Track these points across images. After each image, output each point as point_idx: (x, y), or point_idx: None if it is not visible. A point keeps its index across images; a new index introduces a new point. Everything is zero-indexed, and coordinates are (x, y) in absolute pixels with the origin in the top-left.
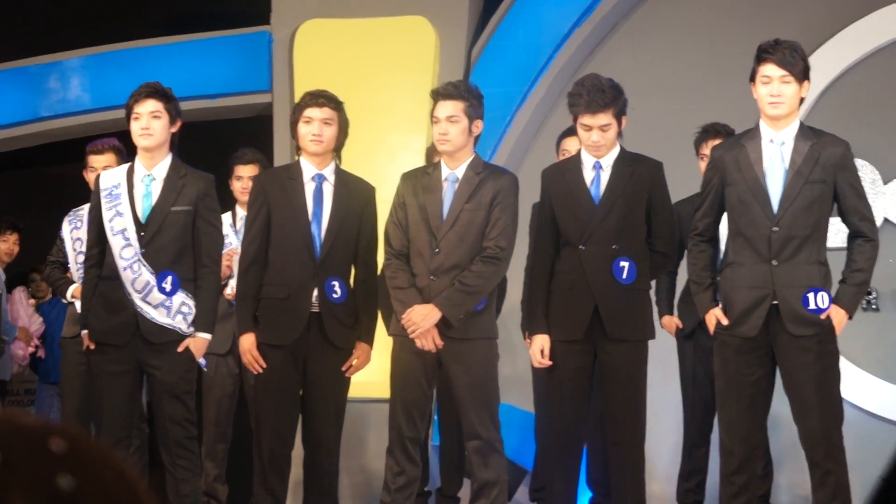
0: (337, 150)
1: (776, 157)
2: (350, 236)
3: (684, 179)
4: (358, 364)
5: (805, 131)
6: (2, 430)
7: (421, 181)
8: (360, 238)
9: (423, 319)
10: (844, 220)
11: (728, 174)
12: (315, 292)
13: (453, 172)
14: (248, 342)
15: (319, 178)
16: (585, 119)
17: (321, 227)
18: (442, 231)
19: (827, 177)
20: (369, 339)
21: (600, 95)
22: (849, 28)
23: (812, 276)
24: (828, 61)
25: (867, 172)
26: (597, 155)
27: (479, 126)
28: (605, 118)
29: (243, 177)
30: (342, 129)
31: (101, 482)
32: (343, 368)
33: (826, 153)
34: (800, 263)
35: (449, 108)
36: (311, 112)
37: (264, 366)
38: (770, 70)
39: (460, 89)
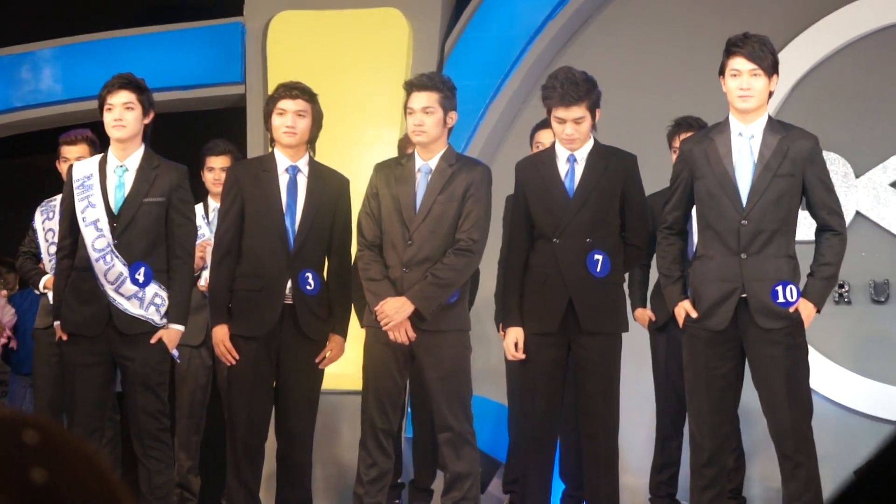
0: (311, 141)
1: (745, 150)
2: (324, 228)
3: (658, 172)
4: (331, 356)
5: (774, 125)
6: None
7: (394, 172)
8: (333, 230)
9: (395, 312)
10: (813, 214)
11: (697, 168)
12: (289, 284)
13: (426, 164)
14: (220, 334)
15: (293, 170)
16: (559, 112)
17: (295, 219)
18: (415, 223)
19: (795, 170)
20: (343, 331)
21: (574, 88)
22: (821, 21)
23: (781, 270)
24: (800, 54)
25: (839, 166)
26: (571, 148)
27: (453, 117)
28: (579, 111)
29: (215, 168)
30: (316, 121)
31: (74, 474)
32: (316, 360)
33: (795, 147)
34: (769, 257)
35: (424, 99)
36: (285, 104)
37: (237, 357)
38: (739, 63)
39: (435, 80)
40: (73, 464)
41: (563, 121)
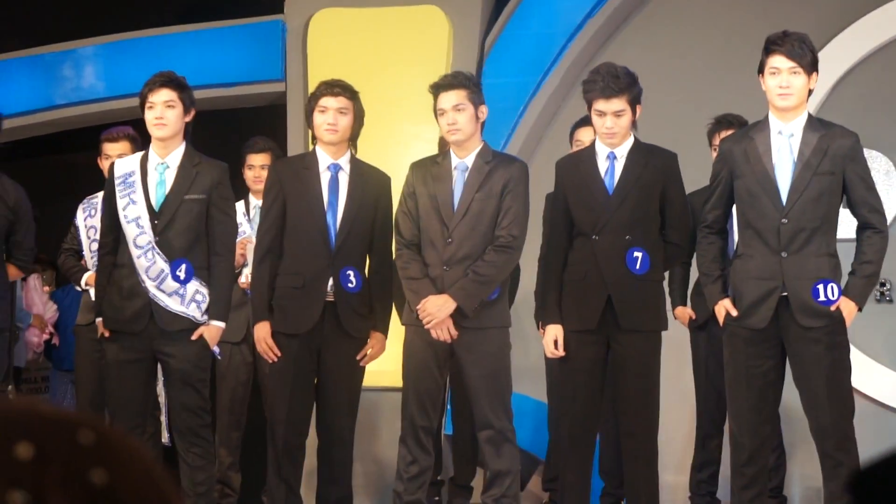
0: (352, 139)
1: (785, 148)
2: (365, 226)
3: (697, 170)
4: (372, 353)
5: (814, 123)
6: (31, 421)
7: (430, 171)
8: (374, 227)
9: (438, 310)
10: (853, 212)
11: (737, 166)
12: (330, 282)
13: (463, 161)
14: (262, 331)
15: (335, 168)
16: (600, 104)
17: (336, 217)
18: (454, 221)
19: (836, 168)
20: (384, 329)
21: (615, 81)
22: (861, 20)
23: (822, 268)
24: (841, 53)
25: (881, 164)
26: (610, 143)
27: (484, 111)
28: (620, 104)
29: (255, 165)
30: (357, 118)
31: (131, 475)
32: (357, 358)
33: (835, 145)
34: (809, 255)
35: (453, 97)
36: (327, 101)
37: (279, 354)
38: (778, 61)
39: (459, 78)
40: (129, 464)
41: (603, 113)
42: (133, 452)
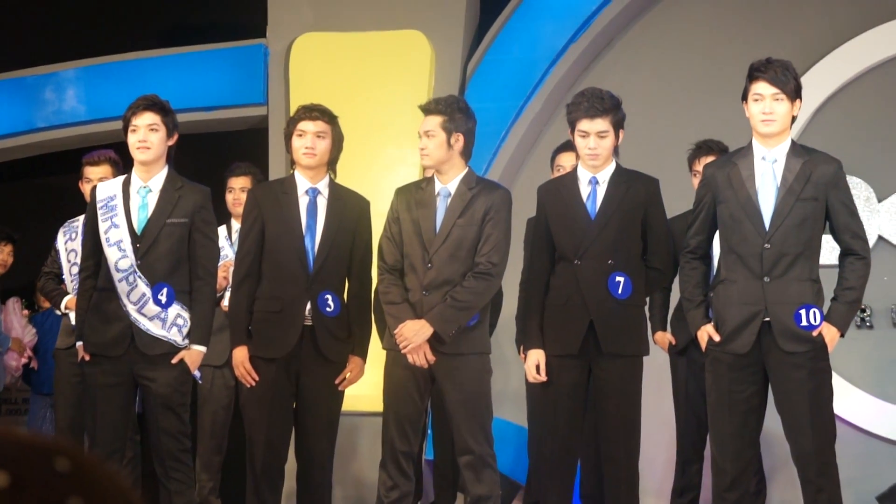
0: (331, 163)
1: (768, 174)
2: (344, 250)
3: (679, 196)
4: (351, 377)
5: (797, 149)
6: (7, 448)
7: (415, 196)
8: (354, 252)
9: (414, 335)
10: (836, 238)
11: (720, 192)
12: (308, 306)
13: (445, 187)
14: (241, 355)
15: (313, 192)
16: (583, 124)
17: (315, 241)
18: (434, 246)
19: (819, 194)
20: (363, 353)
21: (599, 102)
22: (843, 46)
23: (804, 293)
24: (823, 79)
25: (861, 190)
26: (593, 164)
27: (458, 139)
28: (603, 124)
29: (235, 188)
30: (336, 142)
31: (106, 502)
32: (336, 382)
33: (818, 171)
34: (792, 280)
35: (427, 122)
36: (305, 125)
37: (257, 379)
38: (762, 88)
39: (439, 104)
40: (106, 492)
41: (586, 134)
42: (109, 480)
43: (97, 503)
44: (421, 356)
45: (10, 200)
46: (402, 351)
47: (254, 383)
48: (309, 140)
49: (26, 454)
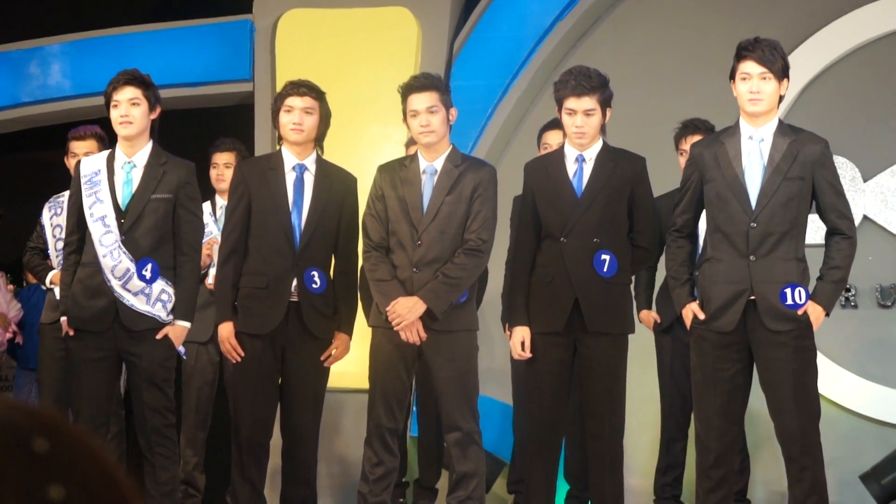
0: (318, 139)
1: (755, 153)
2: (330, 226)
3: (666, 174)
4: (337, 354)
5: (784, 129)
6: None
7: (399, 174)
8: (340, 228)
9: (408, 312)
10: (822, 218)
11: (707, 171)
12: (294, 282)
13: (431, 164)
14: (226, 331)
15: (300, 168)
16: (570, 102)
17: (301, 217)
18: (423, 224)
19: (805, 174)
20: (348, 330)
21: (587, 80)
22: (830, 25)
23: (790, 272)
24: (809, 58)
25: (847, 170)
26: (580, 143)
27: (454, 114)
28: (590, 102)
29: (219, 164)
30: (324, 118)
31: (89, 487)
32: (322, 358)
33: (805, 150)
34: (777, 259)
35: (426, 99)
36: (292, 101)
37: (242, 354)
38: (749, 67)
39: (433, 80)
40: (88, 475)
41: (573, 112)
42: (91, 459)
43: (78, 488)
44: (414, 333)
45: None
46: (395, 328)
47: (239, 359)
48: (296, 116)
49: (4, 437)
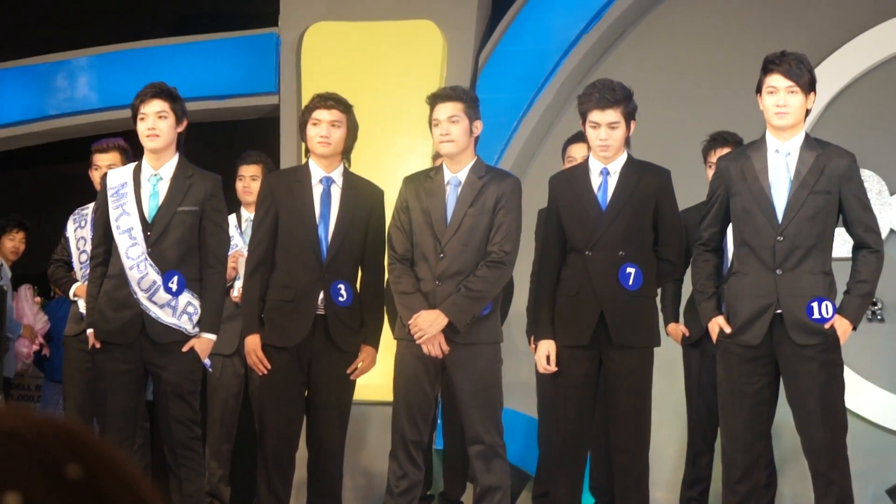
0: (346, 152)
1: (781, 167)
2: (357, 239)
3: (691, 187)
4: (363, 367)
5: (811, 142)
6: (20, 459)
7: (423, 185)
8: (367, 241)
9: (430, 325)
10: (849, 232)
11: (733, 184)
12: (321, 295)
13: (455, 176)
14: (253, 343)
15: (327, 181)
16: (594, 115)
17: (328, 230)
18: (446, 236)
19: (832, 188)
20: (375, 343)
21: (611, 93)
22: (856, 39)
23: (816, 286)
24: (835, 72)
25: (874, 183)
26: (604, 156)
27: (478, 126)
28: (614, 115)
29: (245, 176)
30: (351, 131)
31: None
32: (348, 371)
33: (831, 164)
34: (804, 273)
35: (449, 109)
36: (320, 114)
37: (269, 367)
38: (776, 81)
39: (457, 91)
40: (120, 499)
41: (597, 125)
42: (124, 483)
43: None
44: (436, 346)
45: (22, 188)
46: (418, 341)
47: (266, 371)
48: (324, 129)
49: (37, 465)
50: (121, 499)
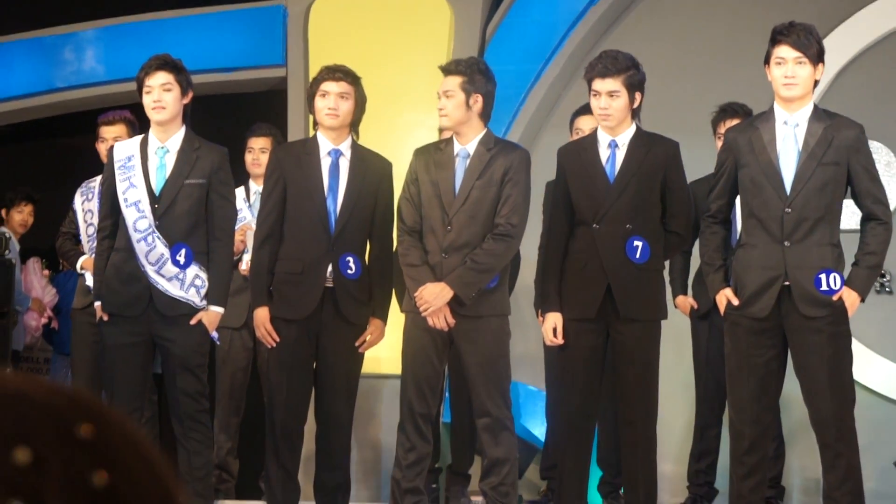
0: (354, 125)
1: (790, 138)
2: (366, 212)
3: (700, 159)
4: (371, 340)
5: (819, 114)
6: (30, 416)
7: (433, 157)
8: (375, 214)
9: (435, 298)
10: (857, 203)
11: (741, 156)
12: (329, 268)
13: (464, 148)
14: (261, 316)
15: (336, 153)
16: (596, 83)
17: (337, 203)
18: (454, 208)
19: (840, 159)
20: (383, 315)
21: (612, 62)
22: (864, 10)
23: (825, 258)
24: (843, 43)
25: (882, 155)
26: (605, 125)
27: (476, 100)
28: (614, 84)
29: (254, 148)
30: (359, 104)
31: (132, 473)
32: (357, 344)
33: (840, 135)
34: (812, 245)
35: (446, 83)
36: (328, 86)
37: (278, 339)
38: (784, 52)
39: (459, 64)
40: (130, 459)
41: (598, 94)
42: (133, 445)
43: (122, 474)
44: (441, 319)
45: (29, 161)
46: (423, 314)
47: (274, 344)
48: (332, 101)
49: (48, 422)
50: (132, 461)
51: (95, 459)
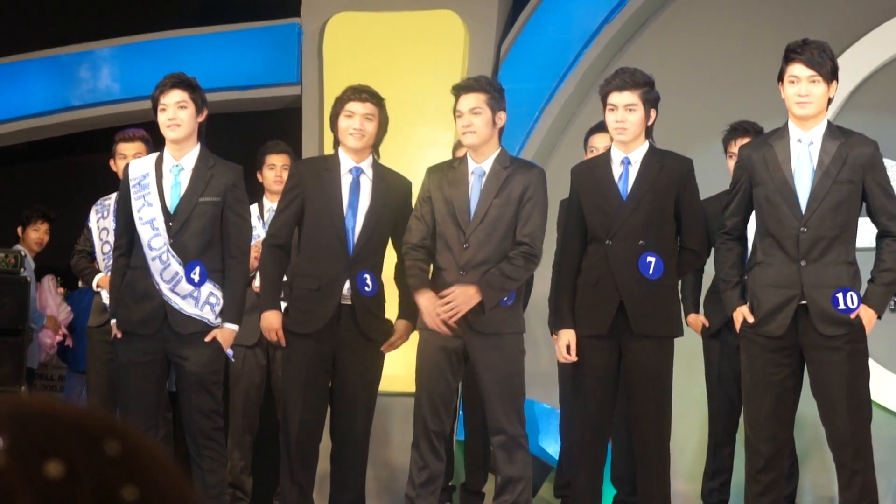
0: (375, 145)
1: (804, 156)
2: (385, 230)
3: (713, 177)
4: (395, 339)
5: (833, 131)
6: (60, 432)
7: (447, 175)
8: (396, 232)
9: (465, 301)
10: (873, 220)
11: (756, 174)
12: (346, 284)
13: (480, 166)
14: (271, 319)
15: (357, 171)
16: (612, 97)
17: (356, 221)
18: (471, 227)
19: (855, 177)
20: (412, 317)
21: (630, 76)
22: (879, 28)
23: (841, 276)
24: (858, 61)
25: None
26: (621, 140)
27: (501, 118)
28: (631, 97)
29: (276, 165)
30: (382, 125)
31: (159, 488)
32: (382, 348)
33: (854, 153)
34: (828, 263)
35: (471, 100)
36: (354, 106)
37: (286, 341)
38: (798, 70)
39: (481, 82)
40: (158, 477)
41: (614, 107)
42: (158, 461)
43: (150, 489)
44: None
45: (45, 179)
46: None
47: (285, 342)
48: (357, 122)
49: (79, 437)
50: (159, 477)
51: (125, 475)
